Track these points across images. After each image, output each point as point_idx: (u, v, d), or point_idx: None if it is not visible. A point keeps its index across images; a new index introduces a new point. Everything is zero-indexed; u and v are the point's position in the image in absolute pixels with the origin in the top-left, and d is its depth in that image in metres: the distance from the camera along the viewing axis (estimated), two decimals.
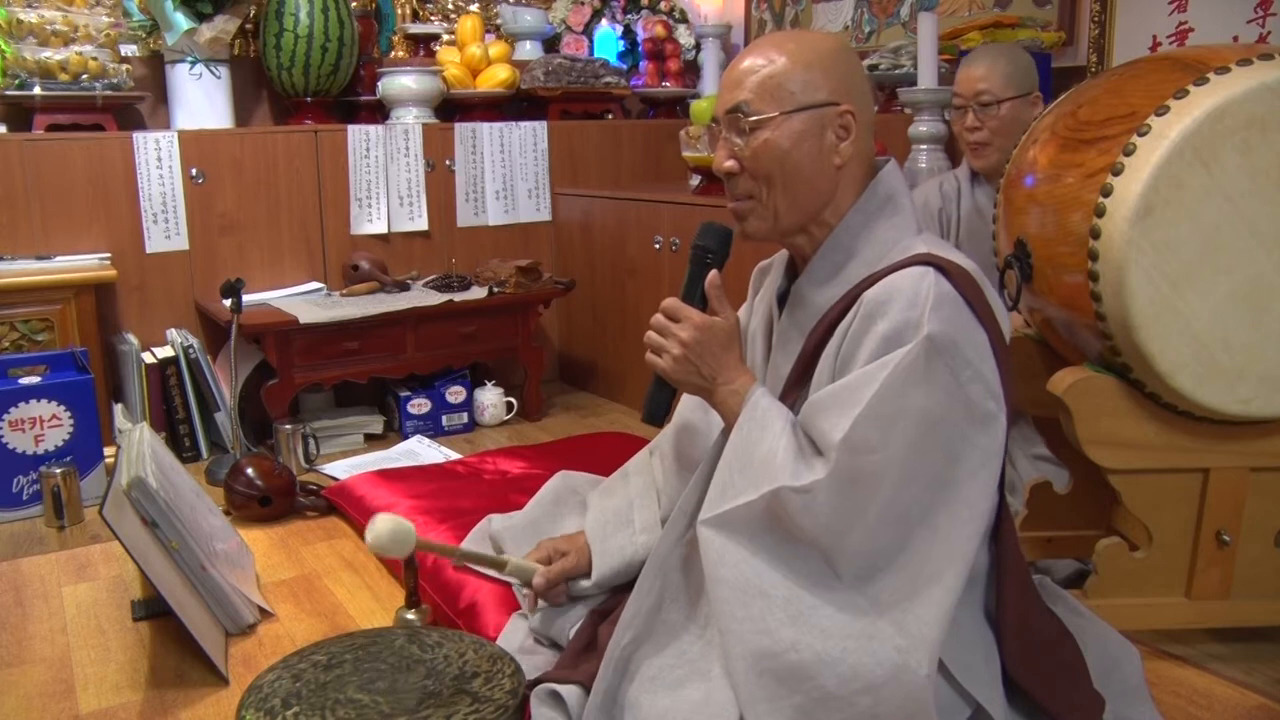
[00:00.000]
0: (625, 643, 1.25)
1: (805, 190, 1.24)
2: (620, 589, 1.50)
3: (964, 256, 1.22)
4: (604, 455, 2.26)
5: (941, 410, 1.12)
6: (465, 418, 3.01)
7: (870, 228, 1.26)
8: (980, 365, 1.14)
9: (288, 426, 2.64)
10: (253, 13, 3.10)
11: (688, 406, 1.53)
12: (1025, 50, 2.27)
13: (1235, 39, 2.25)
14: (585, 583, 1.51)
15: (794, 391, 1.28)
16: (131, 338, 2.74)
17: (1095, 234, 1.48)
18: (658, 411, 1.34)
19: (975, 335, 1.15)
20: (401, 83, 3.17)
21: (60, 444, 2.39)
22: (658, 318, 1.29)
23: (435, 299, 2.89)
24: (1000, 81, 2.11)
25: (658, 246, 2.95)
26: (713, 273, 1.28)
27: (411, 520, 1.99)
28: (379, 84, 3.21)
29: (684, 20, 3.80)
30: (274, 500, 2.31)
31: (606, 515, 1.54)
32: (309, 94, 3.11)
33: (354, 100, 3.29)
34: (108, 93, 2.79)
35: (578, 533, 1.57)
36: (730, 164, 1.26)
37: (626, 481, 1.59)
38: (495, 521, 1.81)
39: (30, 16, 2.72)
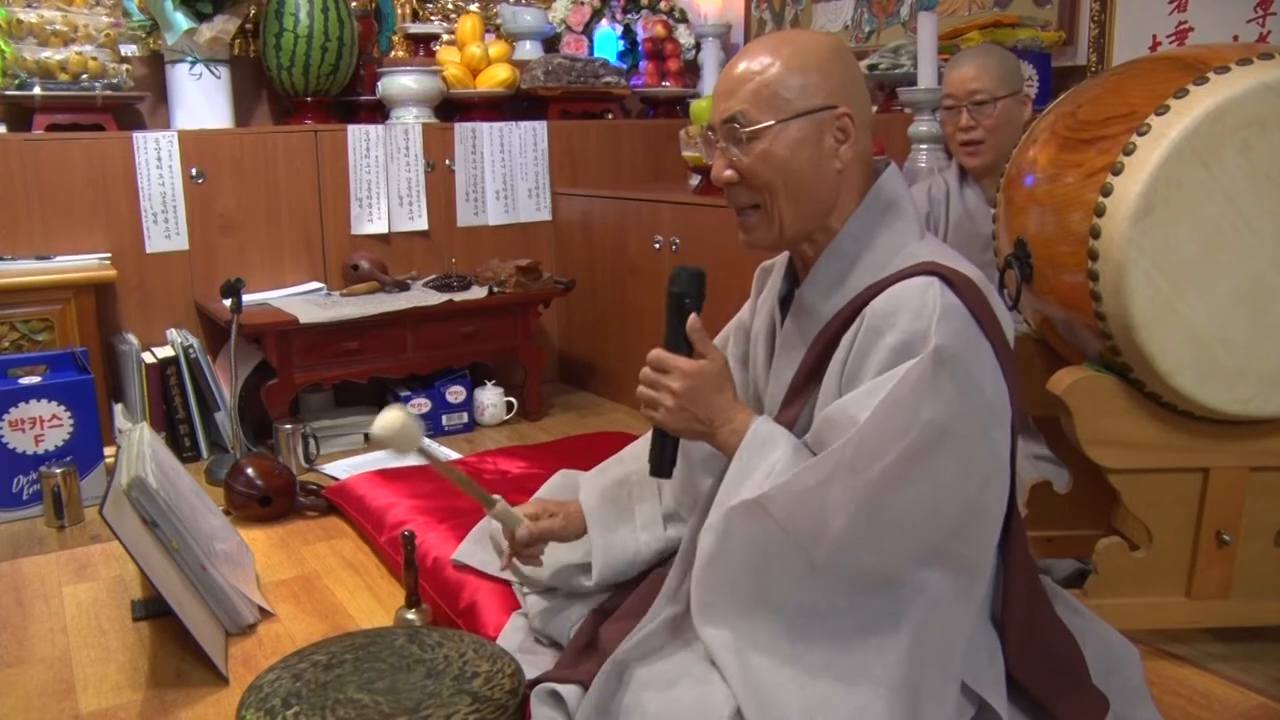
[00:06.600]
0: (621, 657, 1.25)
1: (808, 197, 1.23)
2: (621, 586, 1.50)
3: (967, 263, 1.21)
4: (604, 455, 2.22)
5: (948, 421, 1.11)
6: (465, 417, 3.01)
7: (873, 233, 1.25)
8: (981, 377, 1.13)
9: (288, 426, 2.64)
10: (253, 13, 3.10)
11: None
12: (1020, 50, 2.26)
13: (1235, 38, 2.25)
14: (586, 581, 1.51)
15: (797, 399, 1.27)
16: (131, 338, 2.74)
17: (1095, 234, 1.48)
18: (663, 463, 1.30)
19: (979, 347, 1.14)
20: (401, 83, 3.17)
21: (60, 444, 2.39)
22: (646, 372, 1.26)
23: (435, 299, 2.89)
24: (993, 80, 2.11)
25: (658, 246, 2.95)
26: (693, 316, 1.25)
27: (411, 520, 2.02)
28: (379, 84, 3.21)
29: (684, 20, 3.79)
30: (274, 500, 2.31)
31: (604, 494, 1.54)
32: (309, 94, 3.10)
33: (354, 100, 3.28)
34: (108, 93, 2.79)
35: (570, 500, 1.56)
36: (729, 174, 1.24)
37: (623, 464, 1.58)
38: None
39: (30, 16, 2.72)
